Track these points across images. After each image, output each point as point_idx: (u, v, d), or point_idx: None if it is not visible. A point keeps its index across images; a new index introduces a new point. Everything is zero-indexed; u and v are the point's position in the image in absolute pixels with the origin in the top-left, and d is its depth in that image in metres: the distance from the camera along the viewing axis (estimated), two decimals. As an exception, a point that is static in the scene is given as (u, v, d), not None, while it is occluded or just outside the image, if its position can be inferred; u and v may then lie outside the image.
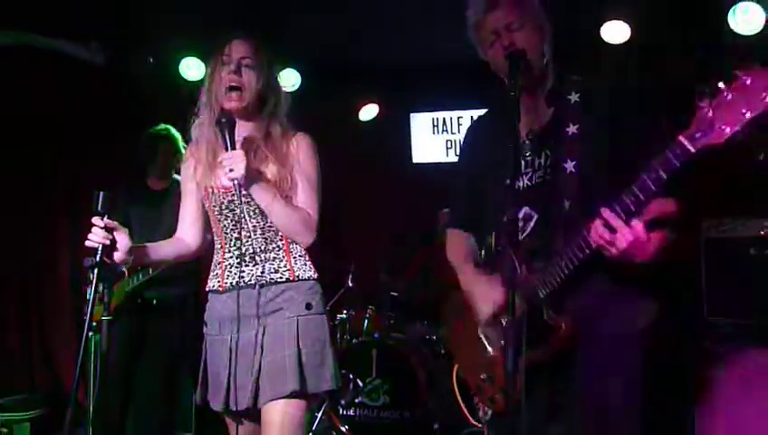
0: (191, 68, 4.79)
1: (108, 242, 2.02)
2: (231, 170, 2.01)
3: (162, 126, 3.75)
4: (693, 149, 1.45)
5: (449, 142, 5.80)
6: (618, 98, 1.88)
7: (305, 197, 2.17)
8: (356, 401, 4.25)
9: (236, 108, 2.13)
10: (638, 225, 1.62)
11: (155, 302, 3.58)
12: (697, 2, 4.04)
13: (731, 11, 3.90)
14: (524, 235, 1.89)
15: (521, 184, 1.90)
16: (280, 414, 2.06)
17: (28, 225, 4.92)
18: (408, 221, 5.53)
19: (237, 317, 2.12)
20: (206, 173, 2.18)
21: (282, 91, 2.24)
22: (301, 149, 2.19)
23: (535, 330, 1.74)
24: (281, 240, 2.17)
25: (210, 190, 2.18)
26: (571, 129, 1.86)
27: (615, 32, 4.31)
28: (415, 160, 5.89)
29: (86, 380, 3.38)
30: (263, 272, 2.14)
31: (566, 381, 1.86)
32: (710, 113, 1.40)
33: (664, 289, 1.91)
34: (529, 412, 1.58)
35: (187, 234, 2.30)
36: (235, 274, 2.16)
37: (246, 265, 2.16)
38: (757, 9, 3.85)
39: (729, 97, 1.37)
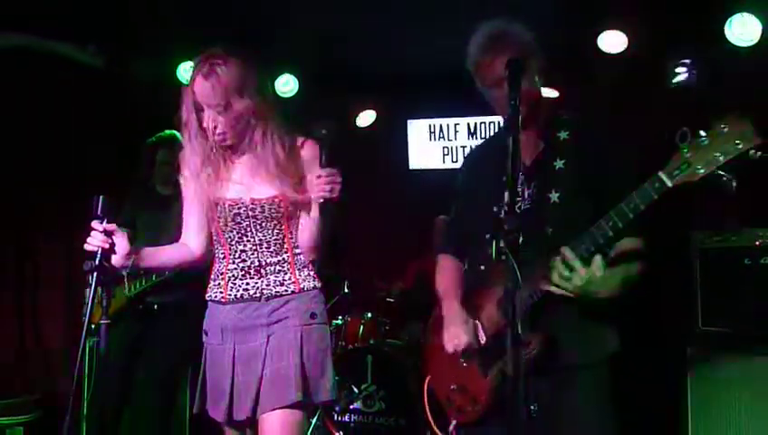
0: (189, 72, 4.78)
1: (107, 246, 2.02)
2: (331, 191, 2.01)
3: (167, 132, 3.71)
4: (670, 184, 1.62)
5: (446, 149, 5.82)
6: (605, 141, 2.03)
7: (317, 210, 2.13)
8: (351, 407, 4.25)
9: (225, 143, 2.12)
10: (595, 263, 1.77)
11: (156, 307, 3.57)
12: (694, 12, 4.06)
13: (728, 22, 3.92)
14: None
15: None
16: (279, 423, 2.05)
17: (24, 228, 4.90)
18: (405, 227, 5.54)
19: (241, 327, 2.13)
20: (210, 185, 2.15)
21: (270, 104, 2.16)
22: (313, 159, 2.12)
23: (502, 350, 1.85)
24: (286, 253, 2.16)
25: (215, 202, 2.15)
26: (559, 163, 2.02)
27: (612, 42, 4.33)
28: (412, 167, 5.91)
29: (81, 383, 3.37)
30: (268, 284, 2.14)
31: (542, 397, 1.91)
32: (688, 154, 1.57)
33: (631, 314, 2.09)
34: (500, 425, 1.68)
35: (192, 241, 2.28)
36: (240, 286, 2.15)
37: (251, 278, 2.15)
38: (754, 20, 3.87)
39: (706, 142, 1.54)
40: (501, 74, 1.89)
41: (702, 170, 1.55)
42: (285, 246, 2.16)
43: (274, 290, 2.14)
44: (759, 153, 1.52)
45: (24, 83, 4.56)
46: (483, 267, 2.12)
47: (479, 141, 2.38)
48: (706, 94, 4.14)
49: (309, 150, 2.17)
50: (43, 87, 4.63)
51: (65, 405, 2.13)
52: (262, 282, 2.14)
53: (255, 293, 2.14)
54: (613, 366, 2.00)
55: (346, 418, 4.26)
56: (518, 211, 1.93)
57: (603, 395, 1.98)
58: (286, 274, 2.15)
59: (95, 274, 1.94)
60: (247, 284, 2.15)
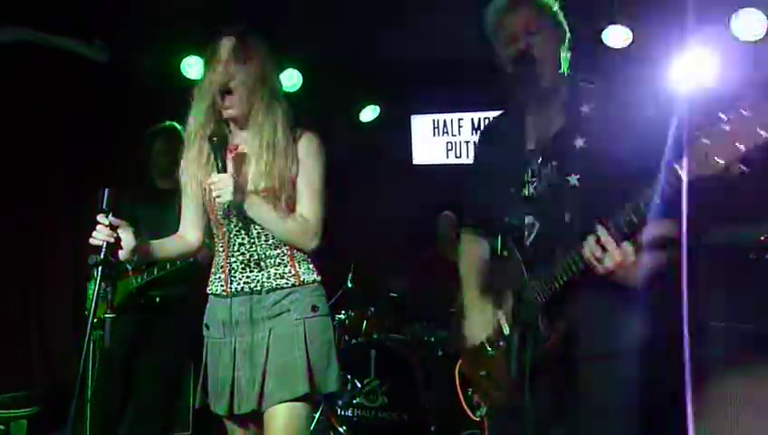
0: (193, 66, 4.78)
1: (112, 240, 2.01)
2: (218, 196, 2.02)
3: (167, 123, 3.68)
4: (685, 179, 1.46)
5: (449, 144, 5.82)
6: (629, 114, 1.86)
7: (307, 203, 2.16)
8: (354, 401, 4.26)
9: (231, 116, 2.12)
10: (627, 248, 1.65)
11: (158, 300, 3.56)
12: (699, 7, 4.04)
13: (733, 17, 3.90)
14: (528, 243, 1.91)
15: (527, 192, 1.90)
16: (285, 416, 2.05)
17: (29, 222, 4.91)
18: (408, 222, 5.54)
19: (242, 321, 2.13)
20: (207, 177, 2.15)
21: (279, 88, 2.19)
22: (307, 152, 2.16)
23: (531, 335, 1.79)
24: (285, 246, 2.16)
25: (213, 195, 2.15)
26: (579, 142, 1.88)
27: (617, 36, 4.32)
28: (415, 162, 5.91)
29: (85, 377, 3.37)
30: (268, 277, 2.14)
31: (565, 386, 1.89)
32: (707, 143, 1.40)
33: (654, 306, 1.92)
34: (526, 411, 1.62)
35: (189, 233, 2.30)
36: (240, 279, 2.16)
37: (252, 271, 2.15)
38: (759, 15, 3.86)
39: (726, 129, 1.37)
40: (514, 31, 1.86)
41: (721, 162, 1.38)
42: None
43: (275, 283, 2.14)
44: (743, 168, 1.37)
45: (30, 80, 4.57)
46: (505, 253, 1.94)
47: (498, 113, 2.24)
48: (712, 89, 4.14)
49: (303, 144, 2.17)
50: (49, 83, 4.63)
51: (69, 399, 2.13)
52: (262, 275, 2.14)
53: (256, 286, 2.14)
54: (642, 354, 1.89)
55: (349, 412, 4.26)
56: (531, 194, 1.88)
57: (624, 385, 1.88)
58: (286, 266, 2.15)
59: (100, 268, 1.94)
60: (248, 277, 2.15)
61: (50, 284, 4.96)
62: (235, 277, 2.16)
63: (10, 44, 4.30)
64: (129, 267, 3.43)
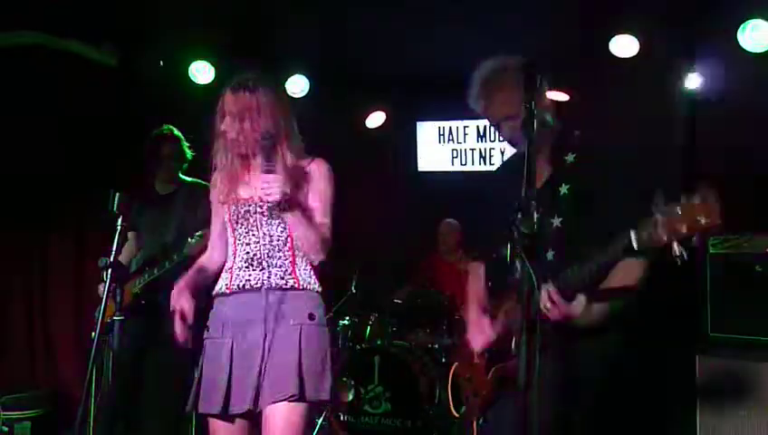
0: (201, 72, 4.81)
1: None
2: (268, 194, 2.09)
3: (165, 127, 3.69)
4: (636, 247, 1.67)
5: (455, 151, 5.82)
6: (610, 165, 2.08)
7: (323, 219, 2.26)
8: (357, 407, 4.25)
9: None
10: (576, 303, 1.88)
11: (161, 304, 3.54)
12: (707, 18, 4.05)
13: (740, 28, 3.91)
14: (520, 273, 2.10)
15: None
16: (281, 419, 2.08)
17: (33, 224, 4.93)
18: (413, 229, 5.54)
19: (241, 320, 2.18)
20: (231, 186, 2.26)
21: (289, 120, 2.27)
22: (319, 174, 2.28)
23: (507, 351, 2.06)
24: (288, 250, 2.23)
25: (231, 201, 2.26)
26: (563, 189, 2.10)
27: (624, 46, 4.32)
28: (420, 169, 5.91)
29: (95, 379, 3.37)
30: (269, 277, 2.19)
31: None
32: (659, 218, 1.59)
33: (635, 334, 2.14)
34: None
35: (216, 250, 2.39)
36: (242, 277, 2.22)
37: (254, 269, 2.22)
38: (767, 26, 3.86)
39: (678, 211, 1.56)
40: (507, 109, 2.04)
41: (665, 238, 1.58)
42: (288, 244, 2.23)
43: (275, 282, 2.19)
44: (683, 252, 1.56)
45: (38, 81, 4.59)
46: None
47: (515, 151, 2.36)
48: (718, 100, 4.15)
49: (316, 167, 2.29)
50: (56, 85, 4.65)
51: (73, 401, 2.13)
52: (263, 274, 2.20)
53: (257, 283, 2.20)
54: (626, 334, 2.08)
55: (352, 418, 4.26)
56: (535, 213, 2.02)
57: (604, 363, 2.06)
58: (287, 269, 2.22)
59: (109, 271, 1.95)
60: (249, 275, 2.21)
61: (54, 286, 4.97)
62: (238, 275, 2.23)
63: (20, 47, 4.33)
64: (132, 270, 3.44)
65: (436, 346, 4.48)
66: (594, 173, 2.05)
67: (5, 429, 4.26)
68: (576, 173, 2.09)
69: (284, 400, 2.08)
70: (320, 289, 2.27)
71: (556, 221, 2.08)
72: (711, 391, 3.29)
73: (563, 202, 2.08)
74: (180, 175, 3.65)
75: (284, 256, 2.22)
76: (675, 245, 1.56)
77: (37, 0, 4.07)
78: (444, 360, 4.40)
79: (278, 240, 2.22)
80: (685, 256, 1.57)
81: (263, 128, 2.17)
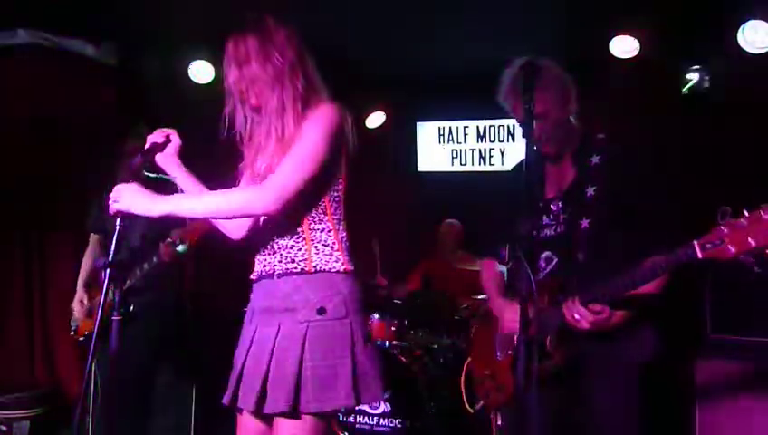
0: (200, 71, 4.80)
1: (162, 140, 2.13)
2: (115, 202, 1.99)
3: (136, 125, 3.65)
4: (700, 256, 1.67)
5: (455, 152, 5.82)
6: (636, 166, 2.13)
7: (280, 166, 1.95)
8: (355, 408, 4.24)
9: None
10: (603, 315, 1.93)
11: (132, 309, 3.37)
12: (707, 18, 4.05)
13: (740, 29, 3.90)
14: (546, 273, 2.19)
15: (546, 233, 2.20)
16: (282, 431, 1.92)
17: (31, 222, 4.93)
18: (412, 229, 5.54)
19: (259, 309, 2.04)
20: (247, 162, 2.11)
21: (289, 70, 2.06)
22: (307, 122, 2.01)
23: (538, 351, 1.97)
24: (299, 226, 2.00)
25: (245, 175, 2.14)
26: (590, 190, 2.13)
27: (624, 47, 4.32)
28: (420, 169, 5.91)
29: (92, 378, 3.35)
30: (280, 261, 2.00)
31: (567, 399, 2.12)
32: (725, 231, 1.61)
33: (663, 322, 2.19)
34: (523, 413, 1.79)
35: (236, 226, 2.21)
36: (260, 262, 2.06)
37: (267, 254, 2.04)
38: (766, 27, 3.85)
39: (744, 223, 1.58)
40: (539, 109, 2.00)
41: (733, 250, 1.59)
42: (301, 218, 2.00)
43: (285, 267, 1.98)
44: (753, 265, 1.58)
45: (37, 81, 4.59)
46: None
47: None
48: (718, 101, 4.14)
49: (309, 118, 2.02)
50: (55, 84, 4.65)
51: (71, 400, 2.13)
52: (274, 258, 2.01)
53: (269, 269, 2.03)
54: (644, 376, 2.11)
55: (351, 419, 4.25)
56: (551, 235, 2.17)
57: (624, 404, 2.09)
58: (299, 250, 1.98)
59: (108, 270, 1.94)
60: (265, 259, 2.04)
61: (53, 285, 4.97)
62: (258, 260, 2.07)
63: (19, 46, 4.33)
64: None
65: (436, 346, 4.48)
66: (621, 175, 2.08)
67: (4, 428, 4.25)
68: (602, 175, 2.12)
69: (278, 414, 1.89)
70: (345, 268, 1.98)
71: (584, 223, 2.11)
72: (712, 394, 3.28)
73: (591, 204, 2.11)
74: (145, 172, 3.31)
75: (295, 234, 1.99)
76: (742, 257, 1.57)
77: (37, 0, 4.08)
78: (443, 360, 4.40)
79: (289, 218, 1.98)
80: (755, 269, 1.59)
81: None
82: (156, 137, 2.13)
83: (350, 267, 2.01)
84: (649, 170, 2.13)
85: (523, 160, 2.41)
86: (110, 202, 2.00)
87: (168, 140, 2.14)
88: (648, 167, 2.15)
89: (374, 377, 1.99)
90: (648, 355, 2.12)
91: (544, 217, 2.21)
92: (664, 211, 1.90)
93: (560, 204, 2.20)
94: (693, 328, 3.46)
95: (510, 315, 2.21)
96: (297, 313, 1.95)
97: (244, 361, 2.01)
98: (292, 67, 2.07)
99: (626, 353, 2.08)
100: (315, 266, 1.97)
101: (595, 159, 2.16)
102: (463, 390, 2.85)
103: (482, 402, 2.42)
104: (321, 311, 1.93)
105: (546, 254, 2.19)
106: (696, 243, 1.67)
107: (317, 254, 1.98)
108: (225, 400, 2.04)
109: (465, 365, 2.71)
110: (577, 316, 1.94)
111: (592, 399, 2.08)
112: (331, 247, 2.00)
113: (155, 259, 3.25)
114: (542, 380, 2.00)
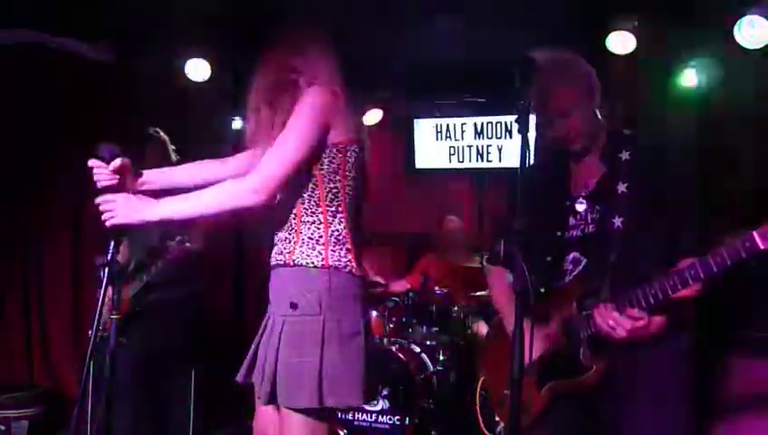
0: (197, 69, 4.79)
1: (115, 182, 1.99)
2: (112, 217, 1.92)
3: (151, 129, 3.67)
4: (762, 247, 1.56)
5: (452, 149, 5.81)
6: (670, 164, 2.05)
7: (265, 156, 1.92)
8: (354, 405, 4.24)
9: None
10: (641, 321, 1.81)
11: (156, 305, 3.48)
12: (703, 13, 4.05)
13: (737, 24, 3.90)
14: (572, 276, 2.08)
15: (573, 234, 2.09)
16: (284, 423, 1.93)
17: (30, 223, 4.92)
18: (410, 227, 5.54)
19: (270, 299, 2.05)
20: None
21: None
22: (296, 106, 1.98)
23: (569, 364, 1.97)
24: (293, 218, 1.98)
25: None
26: (621, 187, 2.01)
27: (620, 42, 4.31)
28: (417, 166, 5.91)
29: (91, 378, 3.35)
30: (274, 253, 2.02)
31: (597, 415, 2.00)
32: None
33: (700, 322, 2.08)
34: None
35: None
36: (272, 252, 2.06)
37: (276, 245, 2.04)
38: (764, 23, 3.85)
39: None
40: (567, 104, 1.98)
41: None
42: (294, 211, 1.97)
43: (276, 259, 2.00)
44: None
45: (34, 80, 4.58)
46: (543, 289, 2.11)
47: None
48: (715, 97, 4.14)
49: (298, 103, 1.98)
50: (52, 84, 4.64)
51: (70, 400, 2.12)
52: (275, 249, 2.03)
53: (271, 261, 2.05)
54: (689, 390, 2.00)
55: (349, 416, 4.25)
56: (579, 235, 2.06)
57: (672, 421, 1.96)
58: (290, 243, 1.97)
59: (106, 269, 1.93)
60: (274, 250, 2.05)
61: (51, 284, 4.96)
62: (272, 250, 2.07)
63: (15, 45, 4.31)
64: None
65: (434, 344, 4.48)
66: (654, 172, 1.99)
67: (2, 428, 4.25)
68: (634, 171, 2.01)
69: (295, 409, 1.89)
70: (326, 263, 1.90)
71: (617, 221, 1.98)
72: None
73: (623, 201, 2.00)
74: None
75: (289, 225, 1.98)
76: None
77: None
78: (441, 357, 4.40)
79: (281, 208, 1.99)
80: None
81: None
82: (104, 178, 2.01)
83: (332, 263, 1.93)
84: (681, 165, 2.05)
85: (535, 160, 2.33)
86: (105, 217, 1.93)
87: (123, 181, 2.04)
88: (679, 162, 2.07)
89: (348, 380, 1.89)
90: (687, 365, 2.01)
91: (570, 218, 2.10)
92: (695, 209, 1.79)
93: (587, 203, 2.08)
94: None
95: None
96: (279, 307, 1.96)
97: (258, 345, 2.02)
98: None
99: (667, 364, 1.95)
100: (294, 260, 1.94)
101: (625, 155, 2.04)
102: (479, 414, 2.66)
103: (503, 425, 2.27)
104: (293, 306, 1.90)
105: (573, 256, 2.08)
106: (755, 233, 1.55)
107: (300, 247, 1.94)
108: (239, 377, 2.06)
109: (478, 386, 2.51)
110: (612, 323, 1.83)
111: (637, 416, 1.93)
112: (316, 241, 1.94)
113: (167, 257, 3.33)
114: (578, 395, 1.96)
